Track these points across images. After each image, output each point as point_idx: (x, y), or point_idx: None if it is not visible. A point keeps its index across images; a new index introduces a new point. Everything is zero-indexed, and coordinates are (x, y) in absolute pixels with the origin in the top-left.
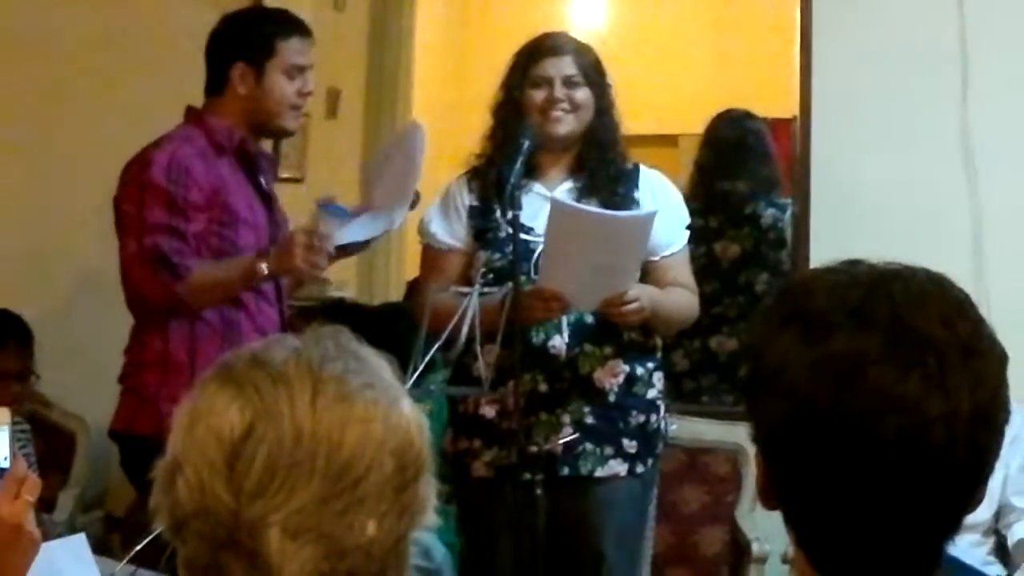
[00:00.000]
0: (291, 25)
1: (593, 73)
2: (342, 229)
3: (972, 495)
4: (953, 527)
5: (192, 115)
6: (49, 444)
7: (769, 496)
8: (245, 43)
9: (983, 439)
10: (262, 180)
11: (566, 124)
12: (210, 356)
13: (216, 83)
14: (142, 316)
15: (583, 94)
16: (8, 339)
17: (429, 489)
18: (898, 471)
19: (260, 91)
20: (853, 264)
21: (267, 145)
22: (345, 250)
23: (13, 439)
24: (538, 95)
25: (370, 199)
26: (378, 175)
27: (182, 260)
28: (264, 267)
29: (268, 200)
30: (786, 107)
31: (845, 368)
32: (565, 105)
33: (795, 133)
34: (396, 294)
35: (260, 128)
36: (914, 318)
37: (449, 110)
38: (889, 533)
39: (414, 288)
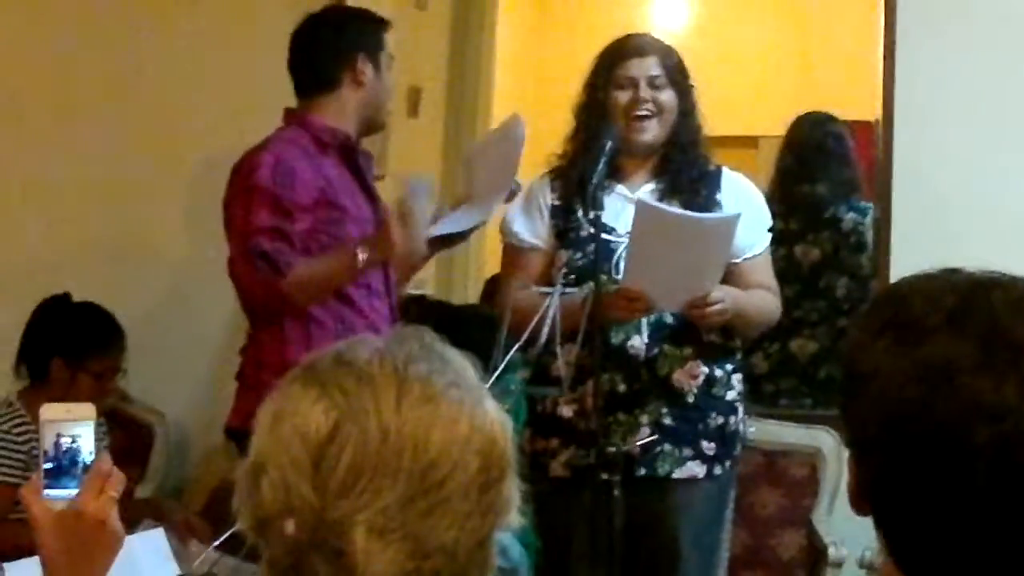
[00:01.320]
0: (383, 20)
1: (677, 75)
2: (442, 220)
3: None
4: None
5: (293, 116)
6: (127, 438)
7: (860, 501)
8: (363, 35)
9: None
10: (367, 176)
11: (650, 131)
12: None
13: (325, 80)
14: (256, 317)
15: (667, 96)
16: (113, 338)
17: (513, 489)
18: (990, 480)
19: (379, 83)
20: (951, 271)
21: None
22: (445, 241)
23: (97, 434)
24: (623, 96)
25: (470, 190)
26: (478, 167)
27: (284, 258)
28: (363, 254)
29: (372, 196)
30: (869, 110)
31: (939, 374)
32: (650, 106)
33: (878, 136)
34: (474, 291)
35: (370, 121)
36: (1011, 326)
37: (530, 109)
38: (980, 543)
39: (493, 286)
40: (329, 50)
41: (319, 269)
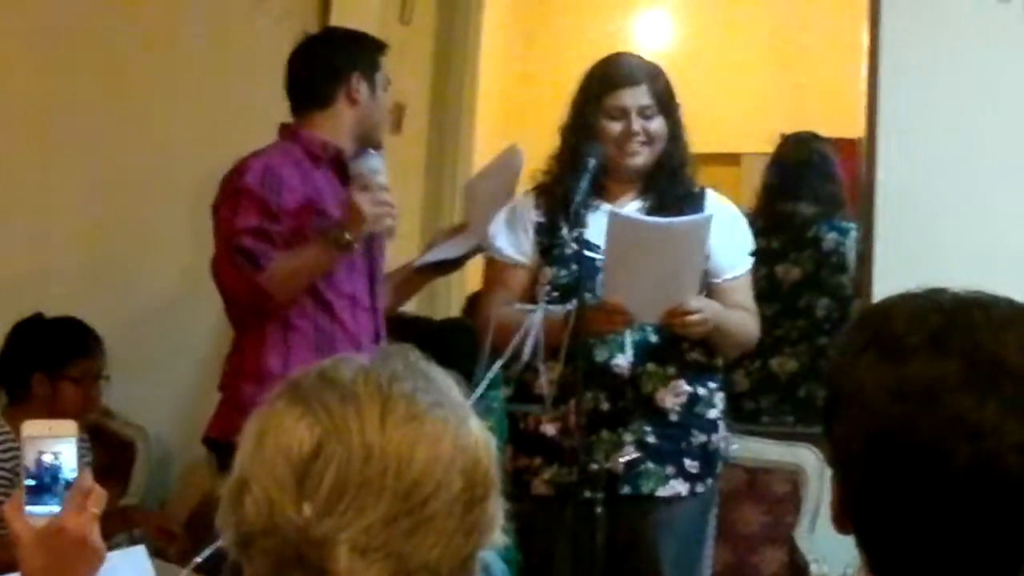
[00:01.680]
0: (380, 42)
1: (667, 99)
2: (437, 248)
3: None
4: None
5: (286, 131)
6: (109, 454)
7: (843, 520)
8: (359, 55)
9: None
10: None
11: (642, 157)
12: (304, 366)
13: (320, 96)
14: (239, 322)
15: (658, 124)
16: (88, 342)
17: (497, 508)
18: (972, 499)
19: (374, 102)
20: (936, 291)
21: None
22: (438, 268)
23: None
24: (615, 127)
25: (469, 219)
26: (475, 197)
27: (264, 253)
28: (339, 237)
29: None
30: (852, 128)
31: (921, 392)
32: (642, 138)
33: (860, 154)
34: (457, 308)
35: (364, 139)
36: (993, 345)
37: (514, 125)
38: (962, 562)
39: (476, 302)
40: (326, 67)
41: (297, 260)
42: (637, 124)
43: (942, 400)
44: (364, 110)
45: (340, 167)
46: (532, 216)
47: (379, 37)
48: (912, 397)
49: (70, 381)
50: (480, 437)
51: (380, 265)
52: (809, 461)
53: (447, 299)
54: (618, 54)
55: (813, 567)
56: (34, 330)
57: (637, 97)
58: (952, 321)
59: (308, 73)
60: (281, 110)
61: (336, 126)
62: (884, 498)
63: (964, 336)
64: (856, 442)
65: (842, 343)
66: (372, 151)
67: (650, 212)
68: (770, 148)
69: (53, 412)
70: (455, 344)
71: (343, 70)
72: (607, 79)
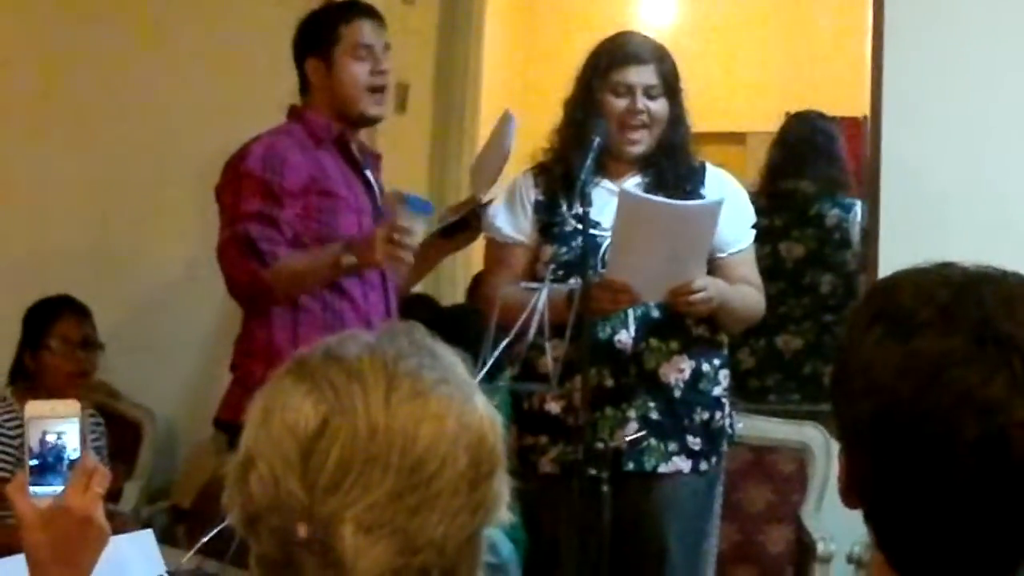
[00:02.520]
0: (353, 9)
1: (672, 82)
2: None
3: None
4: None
5: (293, 112)
6: (115, 435)
7: (850, 495)
8: (311, 37)
9: None
10: (368, 173)
11: (642, 144)
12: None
13: (303, 84)
14: (244, 304)
15: (660, 105)
16: (62, 310)
17: (503, 486)
18: (979, 473)
19: (333, 80)
20: (944, 266)
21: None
22: (451, 238)
23: (86, 431)
24: (619, 103)
25: (474, 191)
26: (479, 168)
27: (270, 247)
28: (347, 259)
29: (372, 189)
30: (856, 106)
31: (929, 368)
32: (644, 117)
33: (865, 132)
34: (463, 289)
35: (344, 116)
36: (1002, 321)
37: (517, 104)
38: (969, 537)
39: (479, 282)
40: (295, 57)
41: (303, 265)
42: (641, 102)
43: (950, 375)
44: (329, 91)
45: (345, 148)
46: (531, 195)
47: (364, 3)
48: (919, 373)
49: (49, 350)
50: (485, 414)
51: None
52: (815, 439)
53: (453, 279)
54: (626, 32)
55: (820, 545)
56: (29, 312)
57: (643, 76)
58: (960, 296)
59: (294, 62)
60: (282, 93)
61: (321, 108)
62: (892, 474)
63: (972, 311)
64: (864, 417)
65: (851, 319)
66: (426, 202)
67: (649, 189)
68: (775, 127)
69: (43, 385)
70: (465, 326)
71: (300, 56)
72: (615, 56)
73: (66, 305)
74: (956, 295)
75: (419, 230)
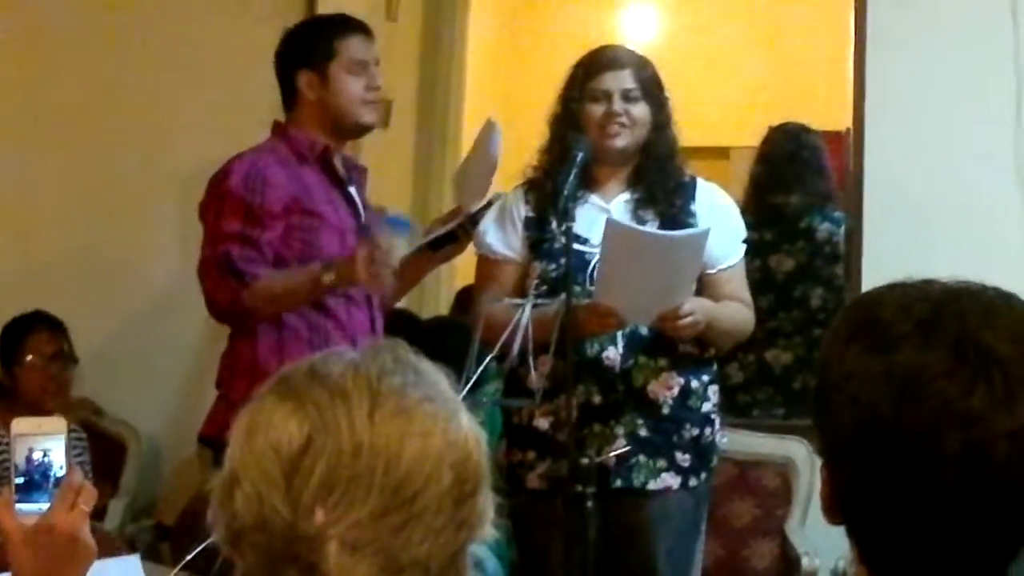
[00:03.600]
0: (348, 25)
1: (652, 87)
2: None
3: None
4: (1017, 548)
5: (277, 129)
6: (100, 452)
7: (833, 510)
8: (305, 50)
9: None
10: (351, 190)
11: (623, 138)
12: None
13: (289, 97)
14: (224, 323)
15: (640, 109)
16: (36, 324)
17: (487, 502)
18: (960, 486)
19: (328, 93)
20: (926, 281)
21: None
22: (437, 251)
23: (70, 447)
24: (597, 109)
25: (460, 202)
26: (464, 178)
27: (249, 267)
28: (327, 278)
29: (355, 206)
30: (839, 120)
31: (909, 381)
32: (623, 120)
33: (848, 146)
34: (446, 305)
35: (339, 129)
36: (981, 333)
37: (501, 119)
38: (951, 550)
39: (465, 297)
40: (279, 69)
41: (282, 283)
42: (619, 105)
43: (930, 389)
44: (322, 104)
45: (327, 165)
46: (522, 211)
47: (357, 20)
48: (899, 386)
49: (22, 366)
50: (470, 431)
51: None
52: (799, 454)
53: (436, 295)
54: (607, 44)
55: (804, 560)
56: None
57: (621, 80)
58: (940, 310)
59: (276, 74)
60: (268, 108)
61: (309, 123)
62: (873, 488)
63: (952, 325)
64: (845, 432)
65: (831, 333)
66: (406, 221)
67: (640, 205)
68: (759, 142)
69: (21, 401)
70: (448, 341)
71: (290, 70)
72: (592, 65)
73: (39, 320)
74: (936, 309)
75: (400, 248)
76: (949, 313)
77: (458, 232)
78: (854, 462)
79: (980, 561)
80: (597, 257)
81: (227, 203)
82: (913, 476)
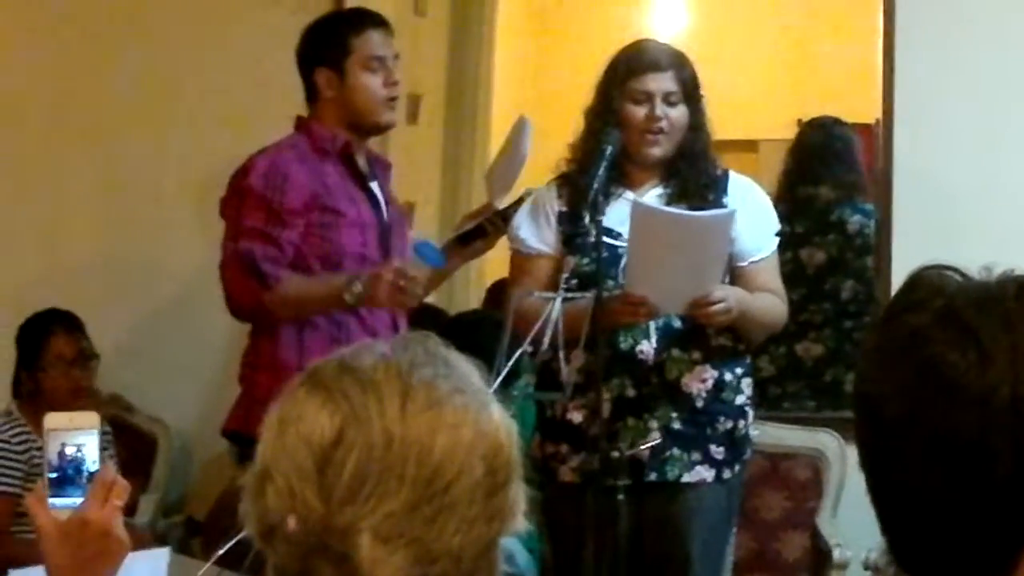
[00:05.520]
0: (363, 20)
1: (691, 89)
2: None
3: None
4: (1018, 541)
5: (300, 123)
6: (130, 448)
7: None
8: (321, 48)
9: None
10: (373, 185)
11: (661, 148)
12: (318, 357)
13: (310, 93)
14: (246, 321)
15: (679, 112)
16: (53, 327)
17: (519, 494)
18: (943, 453)
19: (346, 91)
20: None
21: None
22: (467, 247)
23: (101, 443)
24: (638, 111)
25: (490, 196)
26: (495, 173)
27: (272, 269)
28: (349, 298)
29: (377, 202)
30: (868, 112)
31: (899, 345)
32: (663, 124)
33: (877, 138)
34: (476, 300)
35: (357, 126)
36: (966, 309)
37: (530, 114)
38: (946, 532)
39: (496, 292)
40: (300, 66)
41: (304, 293)
42: (660, 109)
43: (920, 351)
44: (341, 102)
45: (349, 160)
46: (555, 206)
47: (373, 13)
48: (892, 352)
49: (44, 372)
50: (501, 423)
51: (398, 257)
52: (830, 446)
53: (466, 292)
54: (645, 40)
55: (836, 552)
56: (23, 329)
57: (662, 83)
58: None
59: (299, 72)
60: (294, 104)
61: (329, 118)
62: (874, 461)
63: (940, 301)
64: (854, 407)
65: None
66: (437, 249)
67: (672, 199)
68: (787, 134)
69: (45, 402)
70: (480, 335)
71: (309, 67)
72: (633, 64)
73: (56, 320)
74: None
75: (425, 277)
76: (937, 293)
77: (487, 227)
78: (858, 436)
79: (980, 549)
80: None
81: (248, 199)
82: (899, 450)
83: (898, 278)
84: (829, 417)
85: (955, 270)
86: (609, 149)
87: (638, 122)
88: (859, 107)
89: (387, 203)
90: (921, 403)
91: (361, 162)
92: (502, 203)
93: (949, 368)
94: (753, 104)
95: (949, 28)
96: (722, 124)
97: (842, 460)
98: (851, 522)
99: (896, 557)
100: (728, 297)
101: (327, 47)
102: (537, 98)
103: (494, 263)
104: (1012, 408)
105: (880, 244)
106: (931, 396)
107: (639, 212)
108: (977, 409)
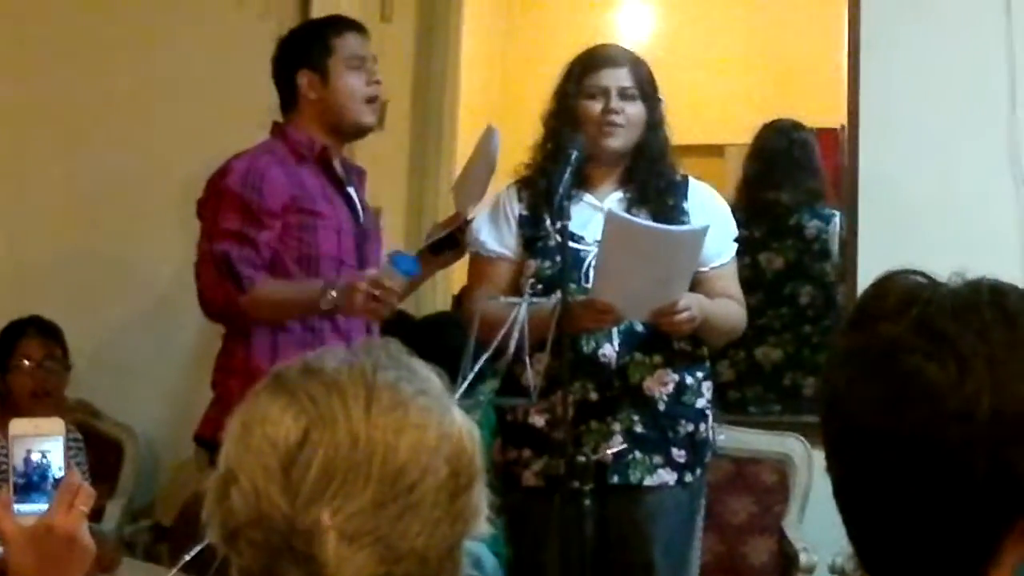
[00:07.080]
0: (342, 22)
1: (647, 87)
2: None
3: (1009, 518)
4: (989, 550)
5: (276, 129)
6: (97, 454)
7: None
8: (303, 50)
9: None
10: (350, 190)
11: (618, 139)
12: None
13: (288, 99)
14: (219, 322)
15: (636, 108)
16: (28, 329)
17: (482, 497)
18: (920, 461)
19: (329, 91)
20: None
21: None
22: (438, 255)
23: (66, 449)
24: (594, 106)
25: (458, 207)
26: (463, 183)
27: (248, 271)
28: (325, 305)
29: (354, 207)
30: (833, 117)
31: (876, 355)
32: (620, 119)
33: (842, 143)
34: (444, 305)
35: (340, 130)
36: (941, 318)
37: (496, 120)
38: (918, 539)
39: (463, 298)
40: (279, 71)
41: (281, 296)
42: (616, 103)
43: (896, 361)
44: (323, 104)
45: (326, 165)
46: (515, 209)
47: (350, 18)
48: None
49: (12, 371)
50: (464, 426)
51: (373, 262)
52: (796, 450)
53: (433, 297)
54: (602, 43)
55: (802, 556)
56: None
57: (618, 78)
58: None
59: (274, 78)
60: (264, 108)
61: (309, 123)
62: (845, 469)
63: (915, 310)
64: (821, 412)
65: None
66: (413, 260)
67: (632, 203)
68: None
69: (13, 405)
70: (445, 337)
71: (289, 71)
72: (588, 62)
73: (32, 324)
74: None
75: (400, 288)
76: (919, 301)
77: (458, 237)
78: (827, 446)
79: (950, 557)
80: (592, 255)
81: (225, 200)
82: (873, 455)
83: (864, 281)
84: (796, 421)
85: (924, 275)
86: (575, 154)
87: (595, 116)
88: (825, 112)
89: (364, 209)
90: (901, 415)
91: (338, 167)
92: (473, 213)
93: (928, 380)
94: (720, 109)
95: (914, 33)
96: (689, 129)
97: (808, 464)
98: (817, 526)
99: (863, 562)
100: (692, 306)
101: (309, 48)
102: (504, 104)
103: (461, 272)
104: (992, 419)
105: (846, 248)
106: (910, 408)
107: (614, 223)
108: (957, 421)
